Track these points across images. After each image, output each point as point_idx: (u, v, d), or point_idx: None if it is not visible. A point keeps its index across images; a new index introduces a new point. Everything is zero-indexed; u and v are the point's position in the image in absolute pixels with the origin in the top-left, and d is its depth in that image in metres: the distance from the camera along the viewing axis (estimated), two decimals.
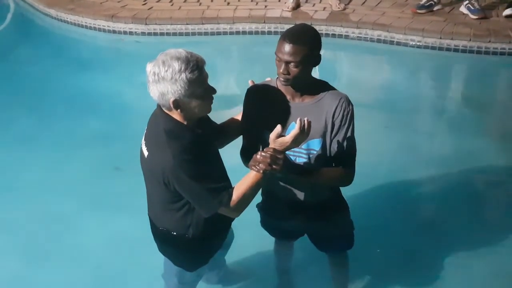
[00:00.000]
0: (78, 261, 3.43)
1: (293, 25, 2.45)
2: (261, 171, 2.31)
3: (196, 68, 2.23)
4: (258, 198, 2.67)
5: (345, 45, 6.05)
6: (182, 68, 2.21)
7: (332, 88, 2.49)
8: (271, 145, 2.31)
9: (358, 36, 6.03)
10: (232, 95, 4.71)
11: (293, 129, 2.27)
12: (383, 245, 3.45)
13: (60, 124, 4.82)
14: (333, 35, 6.06)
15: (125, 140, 4.11)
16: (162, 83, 2.23)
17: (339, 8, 6.29)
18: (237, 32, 6.26)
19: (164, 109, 2.34)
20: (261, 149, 2.37)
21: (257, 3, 6.58)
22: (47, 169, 4.23)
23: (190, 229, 2.47)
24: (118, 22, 6.40)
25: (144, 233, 2.73)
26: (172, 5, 6.66)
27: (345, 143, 2.45)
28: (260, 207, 2.85)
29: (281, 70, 2.33)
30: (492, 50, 5.60)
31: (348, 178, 2.53)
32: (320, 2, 6.53)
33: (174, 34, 6.29)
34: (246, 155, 2.51)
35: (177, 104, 2.27)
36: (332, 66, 5.83)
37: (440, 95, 5.43)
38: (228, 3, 6.62)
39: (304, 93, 2.45)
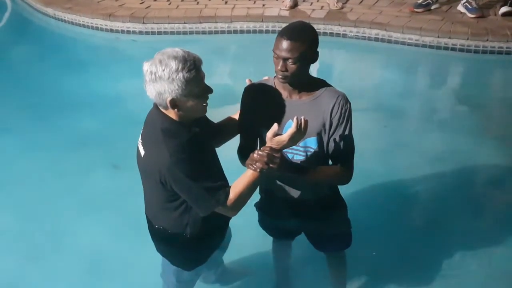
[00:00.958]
0: (75, 260, 3.42)
1: (290, 23, 2.45)
2: (258, 170, 2.31)
3: (193, 67, 2.23)
4: (256, 197, 2.68)
5: (342, 43, 6.06)
6: (179, 68, 2.20)
7: (330, 86, 2.48)
8: (268, 144, 2.31)
9: (355, 35, 6.04)
10: (230, 94, 4.69)
11: (290, 127, 2.27)
12: (380, 244, 3.45)
13: (58, 122, 4.81)
14: (331, 34, 6.06)
15: (123, 138, 4.07)
16: (159, 82, 2.22)
17: (336, 7, 6.29)
18: (235, 31, 6.27)
19: (160, 108, 2.33)
20: (258, 148, 2.36)
21: (254, 2, 6.59)
22: (45, 167, 4.22)
23: (187, 228, 2.47)
24: (115, 21, 6.40)
25: (142, 232, 2.72)
26: (169, 4, 6.66)
27: (342, 142, 2.44)
28: (258, 206, 2.84)
29: (279, 67, 2.33)
30: (489, 49, 5.61)
31: (346, 177, 2.52)
32: (317, 1, 6.54)
33: (172, 33, 6.29)
34: (244, 154, 2.50)
35: (174, 104, 2.26)
36: (330, 64, 5.83)
37: (437, 94, 5.44)
38: (226, 2, 6.62)
39: (301, 90, 2.44)
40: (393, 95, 5.16)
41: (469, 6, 5.99)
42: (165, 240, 2.57)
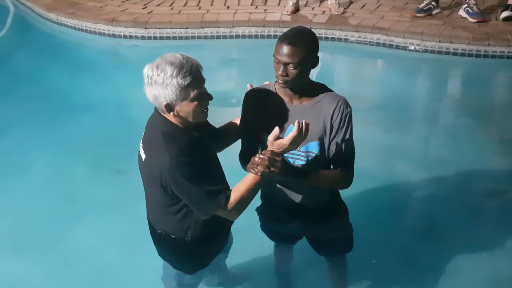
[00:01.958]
0: (77, 264, 3.43)
1: (290, 28, 2.47)
2: (259, 174, 2.32)
3: (189, 74, 2.23)
4: (257, 201, 2.68)
5: (344, 48, 6.06)
6: (174, 74, 2.21)
7: (330, 91, 2.49)
8: (269, 147, 2.32)
9: (357, 40, 6.04)
10: (231, 98, 4.72)
11: (291, 131, 2.28)
12: (381, 248, 3.45)
13: (61, 127, 4.82)
14: (332, 39, 6.07)
15: (125, 143, 4.10)
16: (155, 86, 2.24)
17: (338, 11, 6.30)
18: (237, 36, 6.28)
19: (160, 111, 2.34)
20: (259, 152, 2.37)
21: (256, 7, 6.60)
22: (47, 171, 4.23)
23: (189, 232, 2.47)
24: (118, 26, 6.41)
25: (144, 235, 2.73)
26: (172, 9, 6.67)
27: (343, 146, 2.45)
28: (259, 210, 2.85)
29: (279, 72, 2.34)
30: (491, 54, 5.61)
31: (347, 181, 2.53)
32: (319, 6, 6.54)
33: (174, 38, 6.30)
34: (245, 158, 2.50)
35: (169, 108, 2.28)
36: (332, 69, 5.84)
37: (439, 99, 5.44)
38: (228, 7, 6.64)
39: (302, 95, 2.45)
40: (394, 100, 5.17)
41: (471, 11, 5.99)
42: (167, 244, 2.58)
